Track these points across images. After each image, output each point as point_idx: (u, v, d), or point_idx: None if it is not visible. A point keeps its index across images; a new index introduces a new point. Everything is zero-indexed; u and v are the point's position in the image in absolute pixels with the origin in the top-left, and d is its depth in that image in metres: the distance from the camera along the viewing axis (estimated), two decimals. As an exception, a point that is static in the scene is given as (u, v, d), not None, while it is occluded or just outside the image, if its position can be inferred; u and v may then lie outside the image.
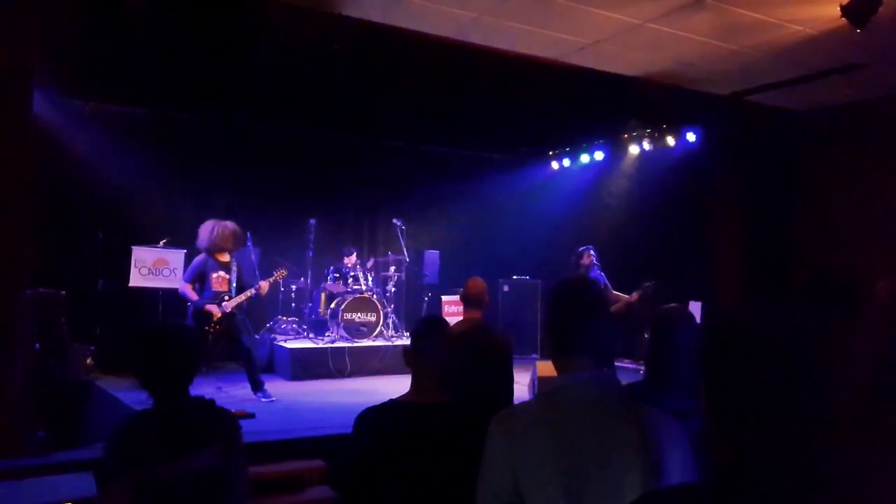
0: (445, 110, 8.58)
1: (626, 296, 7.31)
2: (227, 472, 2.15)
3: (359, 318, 8.44)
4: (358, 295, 8.53)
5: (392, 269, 9.40)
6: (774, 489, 0.96)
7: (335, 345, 8.19)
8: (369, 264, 9.35)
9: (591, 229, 9.56)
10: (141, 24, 5.74)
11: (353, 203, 10.15)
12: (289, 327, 9.04)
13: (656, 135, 9.19)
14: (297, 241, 9.08)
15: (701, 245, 8.62)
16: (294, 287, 9.18)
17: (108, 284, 7.92)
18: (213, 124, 9.14)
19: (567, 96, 7.68)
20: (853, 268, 7.04)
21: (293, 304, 9.23)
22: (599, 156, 10.15)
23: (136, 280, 7.71)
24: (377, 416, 2.25)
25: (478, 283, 4.00)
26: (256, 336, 8.56)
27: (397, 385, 2.39)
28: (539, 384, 6.02)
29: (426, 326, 2.39)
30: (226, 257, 6.58)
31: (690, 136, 8.68)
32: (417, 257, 9.82)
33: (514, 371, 4.12)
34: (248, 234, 7.76)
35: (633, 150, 9.61)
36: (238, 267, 6.65)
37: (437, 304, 9.65)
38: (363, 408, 2.34)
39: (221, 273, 6.49)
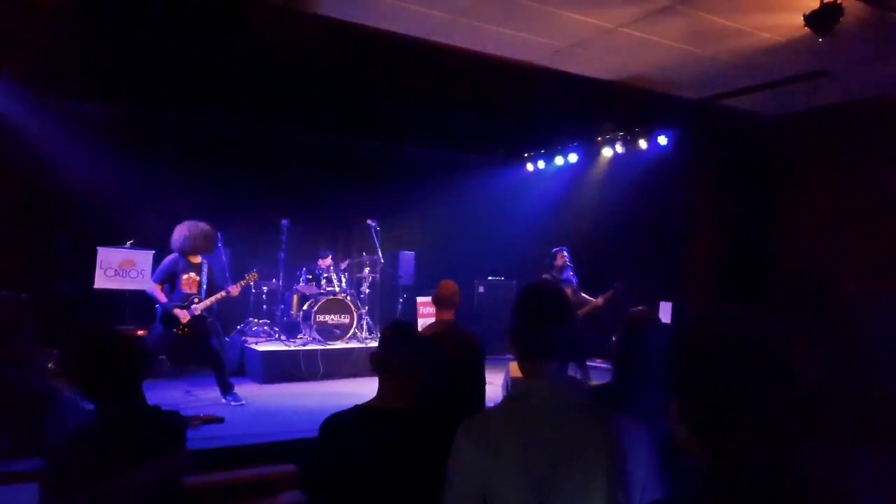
0: (421, 111, 8.57)
1: (594, 299, 7.35)
2: (175, 480, 2.10)
3: (332, 319, 8.38)
4: (331, 296, 8.47)
5: (366, 270, 9.35)
6: (754, 493, 0.97)
7: (307, 347, 8.12)
8: (343, 265, 9.28)
9: (565, 230, 9.63)
10: (109, 18, 5.63)
11: (326, 203, 10.03)
12: (260, 329, 8.94)
13: (629, 137, 9.27)
14: (269, 241, 8.98)
15: (672, 247, 8.72)
16: (266, 288, 9.09)
17: (73, 286, 7.76)
18: (184, 122, 8.99)
19: (542, 99, 7.72)
20: (823, 271, 7.16)
21: (265, 306, 9.13)
22: (574, 158, 10.22)
23: (101, 282, 7.57)
24: (343, 422, 2.23)
25: (450, 285, 4.01)
26: (227, 338, 8.46)
27: (371, 388, 2.38)
28: (512, 385, 6.03)
29: (393, 332, 2.37)
30: (197, 259, 6.47)
31: (662, 140, 8.78)
32: (392, 258, 9.78)
33: (489, 371, 4.12)
34: (220, 234, 7.67)
35: (607, 152, 9.70)
36: (209, 268, 6.55)
37: (412, 306, 9.63)
38: (336, 410, 2.32)
39: (192, 275, 6.39)
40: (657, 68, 6.67)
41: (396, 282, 9.81)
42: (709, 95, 7.54)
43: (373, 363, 2.33)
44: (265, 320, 9.09)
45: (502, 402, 1.71)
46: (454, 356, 3.61)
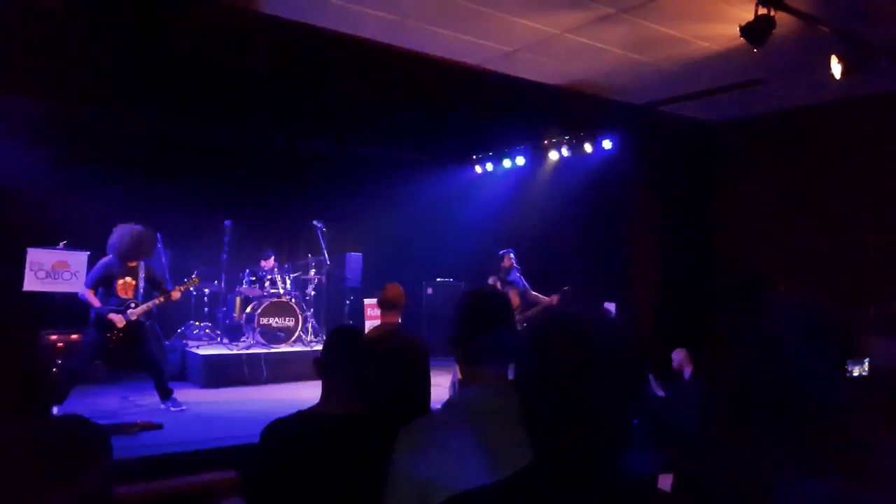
0: (368, 112, 8.50)
1: (546, 298, 7.45)
2: (105, 493, 2.01)
3: (276, 322, 8.25)
4: (275, 299, 8.34)
5: (312, 272, 9.23)
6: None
7: (251, 351, 7.98)
8: (289, 266, 9.14)
9: (512, 232, 9.71)
10: (41, 13, 5.40)
11: (271, 204, 9.84)
12: (202, 333, 8.73)
13: (575, 141, 9.42)
14: (212, 242, 8.76)
15: (617, 248, 8.90)
16: (208, 291, 8.86)
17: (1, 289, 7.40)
18: (122, 120, 8.66)
19: (490, 102, 7.75)
20: (758, 273, 7.42)
21: (206, 309, 8.91)
22: (521, 161, 10.33)
23: (31, 284, 7.24)
24: (284, 428, 2.19)
25: (395, 288, 4.00)
26: (167, 342, 8.22)
27: (316, 392, 2.36)
28: (459, 386, 6.05)
29: (337, 336, 2.35)
30: (134, 262, 6.27)
31: (607, 144, 8.95)
32: (339, 260, 9.68)
33: (438, 373, 4.12)
34: (159, 235, 7.46)
35: (553, 156, 9.82)
36: (148, 270, 6.35)
37: (360, 308, 9.55)
38: (278, 416, 2.28)
39: (128, 279, 6.17)
40: (602, 74, 6.80)
41: (343, 284, 9.71)
42: (651, 101, 7.74)
43: (317, 368, 2.30)
44: (207, 323, 8.88)
45: (443, 406, 1.71)
46: (399, 359, 3.59)
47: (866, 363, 3.16)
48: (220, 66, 6.61)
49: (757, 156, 8.13)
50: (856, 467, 1.36)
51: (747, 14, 4.86)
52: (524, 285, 7.58)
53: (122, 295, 6.11)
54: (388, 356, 3.49)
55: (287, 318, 8.33)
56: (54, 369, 6.46)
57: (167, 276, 7.42)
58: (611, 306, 8.14)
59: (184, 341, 8.47)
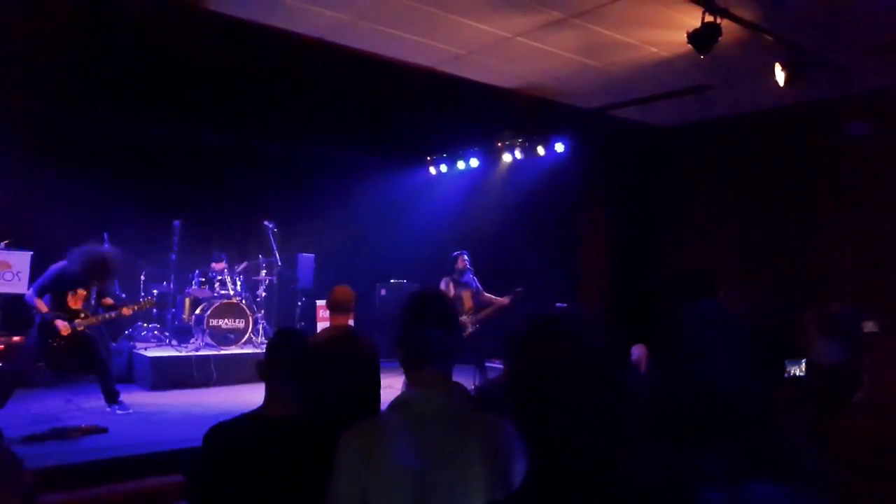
0: (320, 112, 8.44)
1: (499, 299, 7.50)
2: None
3: (226, 324, 8.12)
4: (225, 300, 8.22)
5: (263, 273, 9.11)
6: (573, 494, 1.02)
7: (200, 353, 7.83)
8: (240, 268, 8.99)
9: (466, 234, 9.76)
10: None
11: (221, 204, 9.67)
12: (150, 334, 8.55)
13: (527, 144, 9.51)
14: (160, 242, 8.58)
15: (568, 250, 9.03)
16: (156, 291, 8.67)
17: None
18: (69, 118, 8.44)
19: (442, 103, 7.80)
20: (701, 274, 7.61)
21: (155, 310, 8.72)
22: (475, 163, 10.38)
23: (-28, 284, 7.01)
24: (227, 431, 2.18)
25: (344, 290, 3.98)
26: (114, 344, 8.01)
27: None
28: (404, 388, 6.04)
29: (279, 338, 2.35)
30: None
31: (559, 147, 9.08)
32: (291, 261, 9.57)
33: (391, 375, 4.12)
34: (105, 234, 7.29)
35: (507, 158, 9.91)
36: (101, 285, 6.18)
37: (312, 310, 9.48)
38: (226, 418, 2.27)
39: (80, 290, 5.98)
40: (553, 78, 6.89)
41: (295, 285, 9.61)
42: (602, 105, 7.87)
43: (259, 370, 2.29)
44: (155, 324, 8.70)
45: (387, 408, 1.72)
46: (347, 362, 3.58)
47: (803, 363, 3.27)
48: (168, 64, 6.50)
49: (705, 160, 8.35)
50: (781, 467, 1.41)
51: (695, 21, 5.00)
52: (477, 286, 7.62)
53: (72, 306, 5.93)
54: (336, 358, 3.47)
55: (237, 320, 8.21)
56: None
57: (116, 282, 7.23)
58: (563, 308, 8.23)
59: (131, 343, 8.28)
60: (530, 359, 1.09)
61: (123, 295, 8.11)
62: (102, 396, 6.10)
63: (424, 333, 1.72)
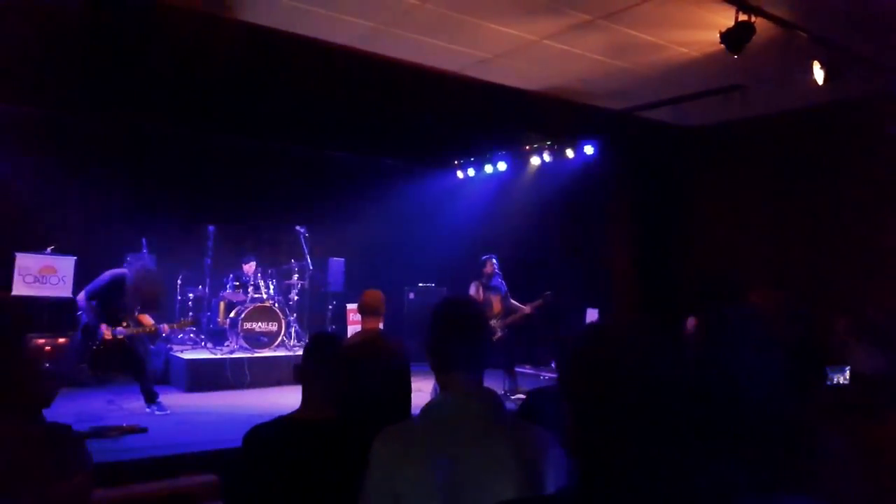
0: (349, 118, 8.55)
1: (526, 305, 7.49)
2: (85, 496, 2.05)
3: (259, 327, 8.25)
4: (259, 304, 8.35)
5: (295, 276, 9.24)
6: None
7: (234, 355, 7.98)
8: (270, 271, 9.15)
9: (494, 238, 9.77)
10: (27, 19, 5.41)
11: (254, 209, 9.86)
12: (186, 337, 8.73)
13: (556, 147, 9.49)
14: (196, 247, 8.78)
15: (598, 254, 8.98)
16: (192, 295, 8.86)
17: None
18: (107, 126, 8.67)
19: (469, 108, 7.82)
20: (732, 278, 7.51)
21: (191, 314, 8.89)
22: (502, 166, 10.39)
23: (19, 288, 7.25)
24: (264, 434, 2.23)
25: (374, 294, 4.03)
26: (152, 346, 8.19)
27: (298, 397, 2.40)
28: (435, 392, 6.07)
29: (316, 343, 2.39)
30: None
31: (588, 149, 9.04)
32: (322, 265, 9.69)
33: (420, 379, 4.15)
34: (144, 240, 7.47)
35: (535, 161, 9.90)
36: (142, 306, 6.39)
37: (342, 313, 9.57)
38: (261, 420, 2.33)
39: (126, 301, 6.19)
40: (580, 80, 6.88)
41: (325, 288, 9.73)
42: (630, 107, 7.82)
43: (296, 374, 2.35)
44: (191, 328, 8.87)
45: (418, 414, 1.75)
46: (379, 365, 3.63)
47: (847, 371, 3.18)
48: (204, 74, 6.65)
49: (736, 160, 8.23)
50: (817, 480, 1.38)
51: (727, 20, 4.94)
52: (506, 291, 7.61)
53: (119, 315, 6.12)
54: (368, 362, 3.52)
55: (270, 323, 8.34)
56: (42, 372, 6.43)
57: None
58: (593, 312, 8.21)
59: (168, 345, 8.45)
60: (587, 369, 1.10)
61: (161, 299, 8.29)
62: (142, 397, 6.26)
63: (455, 339, 1.75)
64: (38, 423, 2.14)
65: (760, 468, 1.32)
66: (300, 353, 8.07)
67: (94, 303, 6.05)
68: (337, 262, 9.88)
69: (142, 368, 6.29)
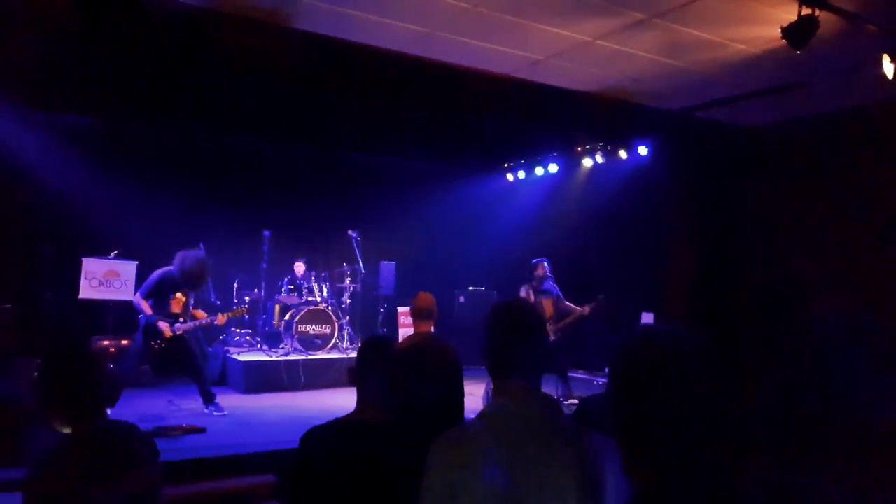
0: (400, 122, 8.61)
1: (580, 308, 7.38)
2: (154, 496, 2.11)
3: (313, 330, 8.37)
4: (313, 307, 8.47)
5: (347, 280, 9.35)
6: None
7: (289, 357, 8.11)
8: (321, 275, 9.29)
9: (545, 241, 9.68)
10: (90, 34, 5.63)
11: (308, 214, 10.05)
12: (242, 339, 8.92)
13: (609, 148, 9.36)
14: (251, 252, 8.97)
15: (653, 257, 8.80)
16: (247, 298, 9.06)
17: (57, 296, 7.69)
18: (166, 134, 9.00)
19: (520, 110, 7.78)
20: (794, 282, 7.25)
21: (247, 316, 9.08)
22: (554, 168, 10.30)
23: (86, 292, 7.54)
24: (321, 436, 2.25)
25: (426, 297, 4.03)
26: (209, 348, 8.42)
27: (351, 399, 2.42)
28: (491, 397, 6.03)
29: (370, 346, 2.40)
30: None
31: (642, 150, 8.89)
32: (373, 269, 9.79)
33: (471, 382, 4.14)
34: (201, 245, 7.66)
35: (587, 162, 9.78)
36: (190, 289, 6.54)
37: (393, 316, 9.64)
38: (316, 422, 2.35)
39: (179, 295, 6.35)
40: (634, 80, 6.76)
41: (377, 292, 9.81)
42: (686, 106, 7.65)
43: (350, 377, 2.36)
44: (247, 330, 9.07)
45: (476, 418, 1.73)
46: (432, 369, 3.63)
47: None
48: (259, 82, 6.80)
49: (797, 160, 7.94)
50: None
51: (788, 15, 4.77)
52: (558, 294, 7.52)
53: (173, 310, 6.30)
54: (422, 365, 3.53)
55: (324, 326, 8.45)
56: (107, 373, 6.67)
57: (212, 291, 7.61)
58: (648, 317, 8.04)
59: (225, 348, 8.65)
60: (639, 377, 1.07)
61: (218, 302, 8.52)
62: (200, 398, 6.42)
63: (513, 344, 1.73)
64: (103, 421, 2.21)
65: (848, 486, 1.25)
66: (353, 355, 8.16)
67: (150, 301, 6.24)
68: (388, 266, 9.96)
69: (199, 370, 6.44)
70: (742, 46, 5.80)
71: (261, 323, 8.99)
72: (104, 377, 2.24)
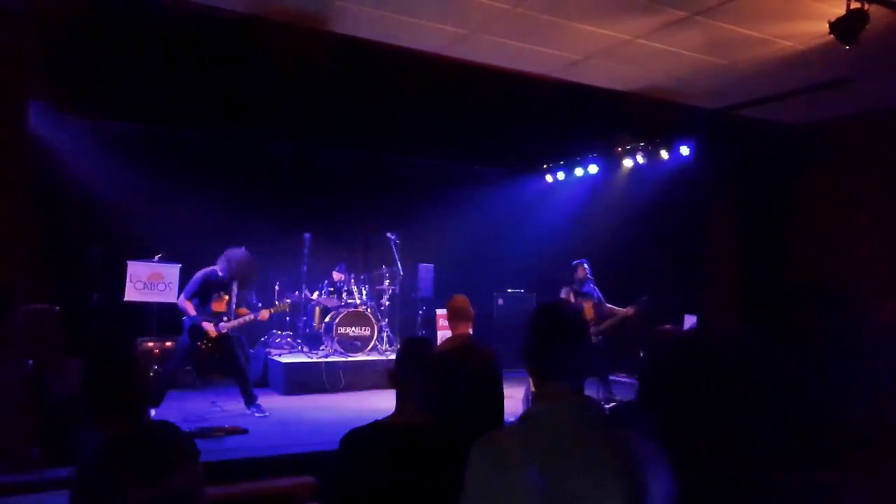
0: (439, 124, 8.63)
1: (622, 310, 7.27)
2: (196, 494, 2.14)
3: (353, 332, 8.43)
4: (352, 309, 8.54)
5: (386, 282, 9.39)
6: None
7: (329, 359, 8.19)
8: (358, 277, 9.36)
9: (585, 242, 9.58)
10: (135, 40, 5.78)
11: (347, 217, 10.16)
12: (283, 341, 9.04)
13: (650, 148, 9.23)
14: (292, 254, 9.07)
15: (695, 258, 8.64)
16: (288, 301, 9.17)
17: (103, 299, 7.91)
18: (209, 139, 9.19)
19: (559, 110, 7.73)
20: (843, 282, 7.05)
21: (287, 318, 9.22)
22: (593, 169, 10.19)
23: (131, 294, 7.73)
24: (361, 438, 2.26)
25: (459, 299, 4.01)
26: (251, 350, 8.56)
27: (391, 400, 2.43)
28: (531, 400, 5.98)
29: (409, 348, 2.41)
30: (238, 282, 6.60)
31: (684, 150, 8.73)
32: (412, 271, 9.82)
33: (510, 384, 4.12)
34: (243, 248, 7.79)
35: (627, 163, 9.66)
36: (239, 288, 6.66)
37: (432, 318, 9.65)
38: (356, 423, 2.36)
39: (222, 293, 6.49)
40: (675, 78, 6.65)
41: (415, 294, 9.85)
42: (728, 105, 7.50)
43: (390, 379, 2.37)
44: (288, 332, 9.18)
45: (517, 420, 1.72)
46: (471, 371, 3.62)
47: None
48: (300, 86, 6.87)
49: (844, 159, 7.73)
50: None
51: (835, 9, 4.64)
52: (599, 296, 7.42)
53: (215, 309, 6.43)
54: (461, 367, 3.52)
55: (363, 328, 8.51)
56: (151, 374, 6.86)
57: (254, 297, 7.74)
58: (691, 319, 7.88)
59: (266, 349, 8.78)
60: (677, 379, 1.06)
61: (260, 304, 8.64)
62: (242, 399, 6.52)
63: (556, 346, 1.71)
64: (145, 421, 2.25)
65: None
66: (392, 357, 8.20)
67: (194, 302, 6.36)
68: (426, 268, 9.99)
69: (242, 371, 6.55)
70: (787, 43, 5.66)
71: (301, 325, 9.10)
72: (145, 378, 2.28)
